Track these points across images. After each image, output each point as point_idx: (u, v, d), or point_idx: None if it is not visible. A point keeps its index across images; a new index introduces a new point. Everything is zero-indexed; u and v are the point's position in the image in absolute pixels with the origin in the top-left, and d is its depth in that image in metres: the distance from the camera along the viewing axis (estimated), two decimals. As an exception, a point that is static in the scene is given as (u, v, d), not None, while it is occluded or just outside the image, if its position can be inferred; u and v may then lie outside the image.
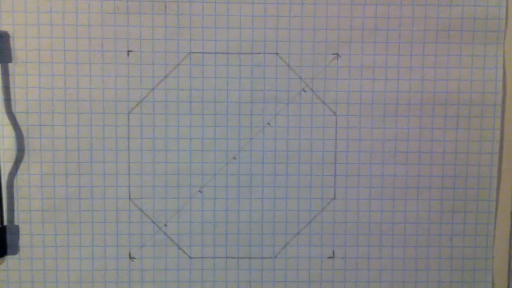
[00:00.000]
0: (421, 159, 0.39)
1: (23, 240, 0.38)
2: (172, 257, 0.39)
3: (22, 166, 0.38)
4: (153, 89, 0.38)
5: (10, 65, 0.37)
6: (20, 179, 0.38)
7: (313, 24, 0.38)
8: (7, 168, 0.38)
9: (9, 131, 0.37)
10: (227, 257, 0.39)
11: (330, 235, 0.39)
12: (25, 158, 0.38)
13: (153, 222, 0.38)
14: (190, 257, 0.39)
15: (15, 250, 0.38)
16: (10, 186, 0.38)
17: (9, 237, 0.38)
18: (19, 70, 0.37)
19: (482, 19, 0.38)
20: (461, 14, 0.38)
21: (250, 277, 0.39)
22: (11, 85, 0.37)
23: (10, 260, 0.38)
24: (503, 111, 0.39)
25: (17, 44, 0.37)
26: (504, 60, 0.38)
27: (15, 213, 0.38)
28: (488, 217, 0.39)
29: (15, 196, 0.38)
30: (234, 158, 0.38)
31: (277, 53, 0.38)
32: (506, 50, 0.38)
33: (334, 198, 0.39)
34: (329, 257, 0.39)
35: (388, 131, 0.38)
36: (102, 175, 0.38)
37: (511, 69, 0.38)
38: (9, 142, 0.37)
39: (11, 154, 0.38)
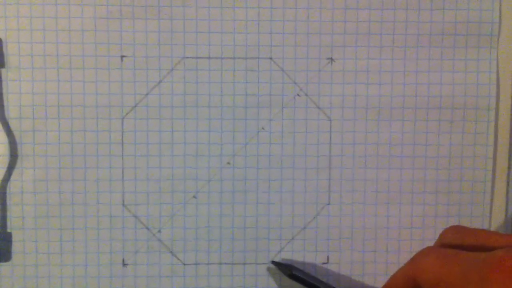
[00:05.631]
0: (415, 163, 0.39)
1: (16, 246, 0.38)
2: (166, 263, 0.38)
3: (15, 172, 0.37)
4: (147, 94, 0.38)
5: (2, 70, 0.37)
6: (13, 185, 0.37)
7: (307, 29, 0.38)
8: (-1, 174, 0.37)
9: (1, 136, 0.37)
10: (221, 263, 0.39)
11: (325, 241, 0.39)
12: (18, 164, 0.37)
13: (147, 228, 0.38)
14: (184, 264, 0.38)
15: (8, 257, 0.38)
16: (3, 192, 0.37)
17: (1, 244, 0.38)
18: (12, 76, 0.37)
19: (475, 23, 0.38)
20: (454, 18, 0.38)
21: (244, 283, 0.39)
22: (4, 90, 0.37)
23: (2, 266, 0.38)
24: (496, 115, 0.39)
25: (9, 50, 0.37)
26: (497, 63, 0.38)
27: (8, 220, 0.37)
28: (482, 221, 0.39)
29: (7, 202, 0.37)
30: (228, 163, 0.38)
31: (271, 58, 0.38)
32: (500, 54, 0.38)
33: (329, 203, 0.39)
34: (324, 263, 0.39)
35: (382, 135, 0.39)
36: (96, 180, 0.38)
37: (505, 72, 0.38)
38: (2, 148, 0.37)
39: (4, 160, 0.37)
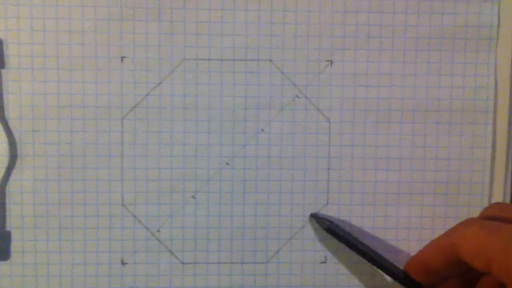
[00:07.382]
0: (413, 165, 0.39)
1: (15, 245, 0.38)
2: (165, 262, 0.39)
3: (15, 171, 0.38)
4: (147, 95, 0.38)
5: (3, 71, 0.37)
6: (13, 185, 0.38)
7: (306, 31, 0.38)
8: (-1, 174, 0.38)
9: (1, 136, 0.37)
10: (219, 263, 0.39)
11: (323, 240, 0.39)
12: (18, 164, 0.37)
13: (146, 228, 0.38)
14: (183, 263, 0.39)
15: (7, 256, 0.38)
16: (2, 191, 0.38)
17: (0, 243, 0.38)
18: (12, 76, 0.37)
19: (474, 27, 0.38)
20: (453, 22, 0.38)
21: (243, 282, 0.39)
22: (4, 91, 0.37)
23: (1, 265, 0.38)
24: (494, 118, 0.39)
25: (10, 50, 0.37)
26: (495, 67, 0.39)
27: (7, 219, 0.38)
28: (480, 223, 0.39)
29: (7, 201, 0.38)
30: (227, 163, 0.38)
31: (271, 60, 0.38)
32: (498, 58, 0.39)
33: (327, 204, 0.39)
34: (322, 262, 0.39)
35: (381, 137, 0.39)
36: (95, 180, 0.38)
37: (503, 76, 0.39)
38: (2, 147, 0.37)
39: (4, 160, 0.37)
